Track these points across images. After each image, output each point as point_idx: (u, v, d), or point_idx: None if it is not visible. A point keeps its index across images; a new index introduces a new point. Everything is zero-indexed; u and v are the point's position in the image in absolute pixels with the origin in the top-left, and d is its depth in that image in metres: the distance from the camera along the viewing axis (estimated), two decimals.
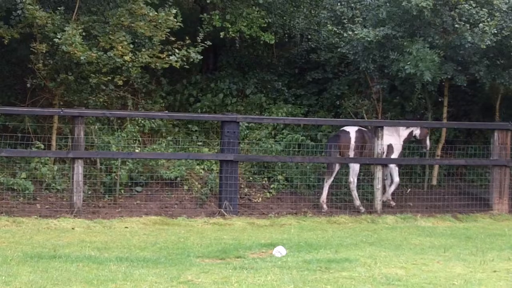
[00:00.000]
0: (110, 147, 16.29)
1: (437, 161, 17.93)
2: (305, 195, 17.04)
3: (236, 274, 9.87)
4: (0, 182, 15.18)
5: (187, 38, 16.45)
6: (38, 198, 15.41)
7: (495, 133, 17.21)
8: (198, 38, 16.71)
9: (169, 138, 17.44)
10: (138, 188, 16.20)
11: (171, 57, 16.19)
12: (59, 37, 15.21)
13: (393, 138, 17.02)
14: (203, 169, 16.93)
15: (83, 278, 9.37)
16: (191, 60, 16.36)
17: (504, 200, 17.17)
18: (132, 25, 15.91)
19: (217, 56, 20.62)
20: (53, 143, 16.18)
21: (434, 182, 18.05)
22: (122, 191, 16.05)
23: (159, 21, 16.04)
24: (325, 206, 16.40)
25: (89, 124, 16.47)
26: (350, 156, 16.50)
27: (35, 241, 12.15)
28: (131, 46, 15.92)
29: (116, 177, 15.98)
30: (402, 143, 17.13)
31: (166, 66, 16.39)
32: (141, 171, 16.32)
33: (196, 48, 16.41)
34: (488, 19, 16.24)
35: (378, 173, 16.38)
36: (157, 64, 16.26)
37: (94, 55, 15.39)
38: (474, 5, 16.43)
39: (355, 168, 16.51)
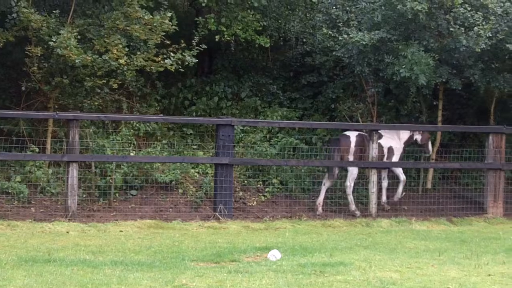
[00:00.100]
0: (105, 150, 16.29)
1: (431, 164, 17.94)
2: (300, 199, 17.04)
3: (231, 277, 9.86)
4: None
5: (182, 41, 16.45)
6: (32, 202, 15.39)
7: (490, 136, 17.23)
8: (193, 41, 16.71)
9: (164, 141, 17.44)
10: (133, 192, 16.20)
11: (166, 61, 16.19)
12: (54, 40, 15.20)
13: (393, 141, 17.06)
14: (198, 172, 16.94)
15: (77, 282, 9.35)
16: (186, 63, 16.37)
17: (499, 203, 17.18)
18: (127, 28, 15.91)
19: (212, 59, 20.62)
20: (48, 146, 16.17)
21: (429, 185, 18.06)
22: (117, 194, 16.04)
23: (154, 24, 16.04)
24: (320, 209, 16.42)
25: (84, 128, 16.47)
26: (350, 160, 16.51)
27: (29, 245, 12.14)
28: (126, 49, 15.92)
29: (111, 180, 15.97)
30: (402, 145, 17.16)
31: (161, 69, 16.40)
32: (136, 174, 16.32)
33: (191, 52, 16.42)
34: (483, 23, 16.26)
35: (373, 176, 16.39)
36: (152, 67, 16.26)
37: (89, 58, 15.39)
38: (469, 8, 16.45)
39: (353, 172, 16.53)
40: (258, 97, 19.76)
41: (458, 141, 18.94)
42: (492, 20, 16.39)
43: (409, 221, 15.98)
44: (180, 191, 16.41)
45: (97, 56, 15.59)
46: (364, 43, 16.67)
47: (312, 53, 20.12)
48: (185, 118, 17.71)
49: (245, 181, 17.13)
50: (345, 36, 17.07)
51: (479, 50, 16.27)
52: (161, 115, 17.75)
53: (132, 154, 16.50)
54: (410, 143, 17.37)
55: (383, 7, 16.78)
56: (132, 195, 16.17)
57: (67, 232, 13.62)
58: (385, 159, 16.88)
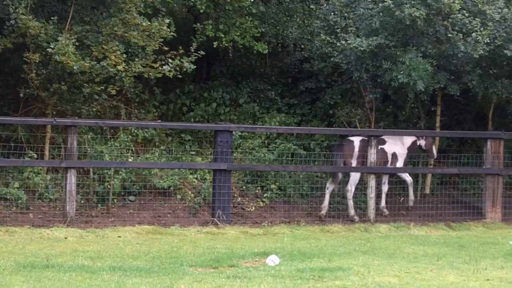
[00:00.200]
0: (103, 156, 16.29)
1: (430, 170, 17.95)
2: (298, 204, 17.04)
3: (229, 283, 9.86)
4: None
5: (180, 47, 16.47)
6: (31, 208, 15.39)
7: (488, 142, 17.25)
8: (191, 47, 16.71)
9: (162, 147, 17.44)
10: (131, 198, 16.20)
11: (164, 67, 16.19)
12: (52, 46, 15.20)
13: (397, 147, 17.09)
14: (196, 178, 16.94)
15: (76, 287, 9.34)
16: (184, 69, 16.38)
17: (497, 208, 17.19)
18: (126, 34, 15.92)
19: (210, 65, 20.63)
20: (46, 152, 16.16)
21: (427, 191, 18.06)
22: (115, 200, 16.04)
23: (152, 31, 16.05)
24: (324, 211, 16.43)
25: (82, 134, 16.47)
26: (353, 165, 16.52)
27: (27, 250, 12.13)
28: (124, 55, 15.93)
29: (109, 186, 15.97)
30: (406, 151, 17.19)
31: (159, 75, 16.40)
32: (134, 180, 16.31)
33: (189, 58, 16.43)
34: (481, 29, 16.28)
35: (371, 182, 16.40)
36: (150, 73, 16.26)
37: (87, 64, 15.39)
38: (467, 14, 16.47)
39: (355, 177, 16.54)
40: (256, 103, 19.77)
41: (456, 146, 18.95)
42: (490, 26, 16.41)
43: (407, 226, 15.98)
44: (179, 196, 16.42)
45: (95, 62, 15.59)
46: (362, 49, 16.69)
47: (310, 59, 20.14)
48: (183, 124, 17.72)
49: (244, 187, 17.14)
50: (343, 42, 17.08)
51: (477, 56, 16.29)
52: (159, 121, 17.75)
53: (130, 160, 16.49)
54: (414, 149, 17.40)
55: (381, 13, 16.79)
56: (131, 201, 16.17)
57: (66, 238, 13.61)
58: (389, 165, 16.90)
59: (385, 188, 17.05)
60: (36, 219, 15.04)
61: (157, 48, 16.24)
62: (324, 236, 14.82)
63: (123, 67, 15.78)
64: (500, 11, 16.79)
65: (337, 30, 17.89)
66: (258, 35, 18.85)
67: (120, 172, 16.14)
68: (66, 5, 16.66)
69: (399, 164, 17.02)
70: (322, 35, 18.37)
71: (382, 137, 17.01)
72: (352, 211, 16.53)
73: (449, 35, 16.38)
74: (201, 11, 17.92)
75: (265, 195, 17.06)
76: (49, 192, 15.66)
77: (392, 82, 16.71)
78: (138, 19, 15.95)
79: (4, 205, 15.22)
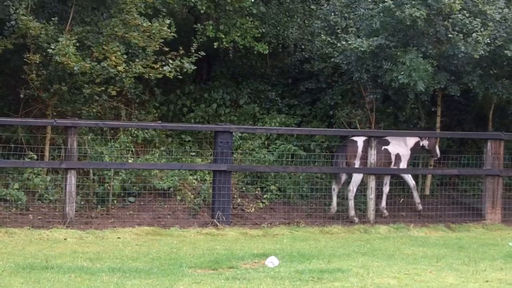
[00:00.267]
0: (103, 157, 16.30)
1: (430, 171, 17.95)
2: (298, 205, 17.04)
3: (229, 284, 9.87)
4: None
5: (180, 48, 16.47)
6: (30, 209, 15.39)
7: (488, 142, 17.24)
8: (191, 48, 16.72)
9: (162, 148, 17.44)
10: (131, 199, 16.20)
11: (164, 68, 16.19)
12: (52, 47, 15.20)
13: (401, 148, 17.11)
14: (196, 179, 16.94)
15: None
16: (185, 70, 16.38)
17: (497, 209, 17.18)
18: (126, 35, 15.92)
19: (211, 66, 20.63)
20: (46, 153, 16.17)
21: (427, 192, 18.06)
22: (115, 201, 16.04)
23: (153, 31, 16.06)
24: (333, 211, 16.48)
25: (82, 135, 16.47)
26: (356, 166, 16.52)
27: (27, 252, 12.13)
28: (125, 56, 15.93)
29: (109, 187, 15.97)
30: (409, 152, 17.21)
31: (160, 76, 16.40)
32: (134, 181, 16.32)
33: (190, 58, 16.43)
34: (482, 29, 16.27)
35: (371, 183, 16.40)
36: (150, 74, 16.26)
37: (88, 65, 15.40)
38: (467, 15, 16.46)
39: (357, 178, 16.54)
40: (257, 103, 19.77)
41: (457, 147, 18.94)
42: (491, 27, 16.40)
43: (407, 227, 15.97)
44: (178, 198, 16.42)
45: (96, 63, 15.59)
46: (362, 49, 16.68)
47: (310, 60, 20.15)
48: (184, 125, 17.72)
49: (243, 188, 17.14)
50: (344, 42, 17.08)
51: (478, 57, 16.29)
52: (160, 122, 17.75)
53: (130, 161, 16.50)
54: (417, 149, 17.42)
55: (381, 14, 16.79)
56: (130, 202, 16.17)
57: (65, 239, 13.62)
58: (392, 166, 16.91)
59: (386, 189, 17.06)
60: (35, 220, 15.05)
61: (158, 49, 16.25)
62: (323, 237, 14.82)
63: (124, 68, 15.78)
64: (500, 11, 16.78)
65: (338, 31, 17.88)
66: (259, 35, 18.85)
67: (120, 173, 16.15)
68: (67, 6, 16.67)
69: (403, 165, 17.04)
70: (322, 35, 18.37)
71: (386, 138, 17.03)
72: (352, 212, 16.54)
73: (450, 35, 16.37)
74: (202, 11, 17.92)
75: (265, 196, 17.05)
76: (49, 193, 15.67)
77: (392, 82, 16.70)
78: (139, 19, 15.96)
79: (4, 206, 15.23)
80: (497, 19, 16.72)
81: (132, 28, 16.00)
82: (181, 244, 13.40)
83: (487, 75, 17.32)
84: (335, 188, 16.72)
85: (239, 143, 18.11)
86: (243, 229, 15.26)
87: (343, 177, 16.73)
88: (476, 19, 16.45)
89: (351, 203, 16.56)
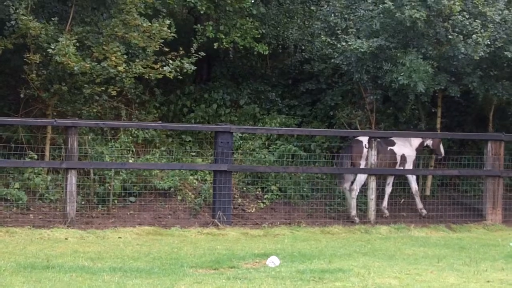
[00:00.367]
0: (103, 157, 16.29)
1: (430, 171, 17.95)
2: (299, 205, 17.04)
3: (230, 284, 9.86)
4: None
5: (180, 48, 16.47)
6: (31, 209, 15.39)
7: (489, 143, 17.25)
8: (192, 48, 16.72)
9: (162, 148, 17.44)
10: (132, 199, 16.19)
11: (164, 68, 16.19)
12: (52, 47, 15.20)
13: (406, 149, 17.14)
14: (197, 179, 16.94)
15: None
16: (185, 70, 16.38)
17: (498, 210, 17.19)
18: (126, 35, 15.92)
19: (211, 66, 20.64)
20: (47, 153, 16.16)
21: (428, 192, 18.07)
22: (116, 201, 16.04)
23: (153, 31, 16.06)
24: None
25: (83, 135, 16.47)
26: (362, 166, 16.53)
27: (28, 251, 12.13)
28: (125, 56, 15.93)
29: (109, 187, 15.97)
30: (415, 153, 17.23)
31: (160, 76, 16.40)
32: (135, 181, 16.31)
33: (190, 59, 16.43)
34: (481, 30, 16.29)
35: (372, 183, 16.40)
36: (150, 74, 16.26)
37: (88, 65, 15.39)
38: (467, 16, 16.47)
39: (361, 177, 16.55)
40: (257, 104, 19.77)
41: (457, 148, 18.96)
42: (491, 28, 16.41)
43: (408, 227, 15.98)
44: (179, 198, 16.42)
45: (96, 63, 15.59)
46: (362, 50, 16.69)
47: (310, 61, 20.16)
48: (184, 125, 17.71)
49: (244, 188, 17.14)
50: (344, 43, 17.09)
51: (478, 58, 16.30)
52: (160, 122, 17.76)
53: (130, 161, 16.50)
54: (421, 149, 17.44)
55: (381, 15, 16.80)
56: (131, 201, 16.17)
57: (66, 239, 13.61)
58: (397, 167, 16.94)
59: (388, 189, 17.09)
60: (36, 220, 15.04)
61: (158, 49, 16.25)
62: (324, 237, 14.82)
63: (124, 68, 15.78)
64: (500, 12, 16.80)
65: (338, 32, 17.89)
66: (259, 36, 18.86)
67: (120, 173, 16.15)
68: (67, 6, 16.67)
69: (408, 166, 17.08)
70: (322, 36, 18.38)
71: (392, 138, 17.06)
72: (353, 211, 16.54)
73: (450, 36, 16.38)
74: (202, 12, 17.93)
75: (265, 196, 17.06)
76: (50, 193, 15.66)
77: (392, 83, 16.71)
78: (139, 20, 15.96)
79: (5, 205, 15.23)
80: (497, 20, 16.73)
81: (132, 29, 16.00)
82: (182, 244, 13.39)
83: (487, 76, 17.33)
84: (346, 187, 16.69)
85: (239, 143, 18.11)
86: (244, 229, 15.26)
87: (351, 177, 16.69)
88: (476, 20, 16.46)
89: (354, 202, 16.58)
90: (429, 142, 17.47)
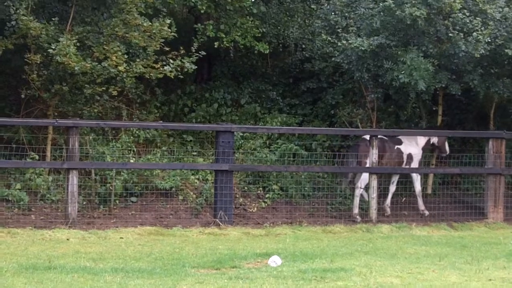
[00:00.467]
0: (104, 157, 16.29)
1: (431, 169, 17.95)
2: (300, 205, 17.03)
3: (232, 284, 9.87)
4: None
5: (181, 48, 16.47)
6: (33, 209, 15.38)
7: (490, 141, 17.24)
8: (192, 48, 16.72)
9: (163, 148, 17.43)
10: (133, 199, 16.18)
11: (165, 67, 16.19)
12: (53, 47, 15.20)
13: (412, 148, 17.16)
14: (198, 179, 16.93)
15: None
16: (186, 70, 16.38)
17: (499, 208, 17.19)
18: (127, 35, 15.92)
19: (212, 66, 20.63)
20: (48, 153, 16.16)
21: (429, 191, 18.06)
22: (117, 201, 16.03)
23: (153, 31, 16.06)
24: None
25: (84, 135, 16.46)
26: (368, 165, 16.51)
27: (30, 252, 12.13)
28: (126, 56, 15.93)
29: (111, 187, 15.97)
30: (421, 151, 17.24)
31: (161, 76, 16.40)
32: (136, 181, 16.31)
33: (191, 58, 16.43)
34: (482, 28, 16.27)
35: (373, 182, 16.39)
36: (151, 74, 16.26)
37: (88, 65, 15.40)
38: (467, 14, 16.46)
39: (366, 176, 16.54)
40: (258, 103, 19.76)
41: (458, 146, 18.92)
42: (491, 26, 16.39)
43: (409, 226, 15.98)
44: (180, 197, 16.41)
45: (97, 63, 15.59)
46: (363, 49, 16.68)
47: (311, 59, 20.15)
48: (185, 125, 17.71)
49: (245, 188, 17.13)
50: (344, 42, 17.08)
51: (478, 56, 16.29)
52: (161, 122, 17.74)
53: (132, 161, 16.49)
54: (427, 148, 17.45)
55: (381, 13, 16.78)
56: (132, 202, 16.16)
57: (68, 239, 13.62)
58: (404, 165, 16.95)
59: (392, 188, 17.11)
60: (38, 220, 15.04)
61: (158, 49, 16.25)
62: (326, 236, 14.82)
63: (124, 68, 15.78)
64: (501, 10, 16.78)
65: (338, 30, 17.88)
66: (259, 35, 18.85)
67: (122, 173, 16.14)
68: (67, 6, 16.67)
69: (414, 164, 17.11)
70: (323, 35, 18.37)
71: (399, 137, 17.07)
72: (356, 210, 16.53)
73: (450, 34, 16.37)
74: (202, 11, 17.91)
75: (267, 195, 17.05)
76: (51, 194, 15.66)
77: (393, 81, 16.70)
78: (139, 19, 15.96)
79: (6, 206, 15.22)
80: (498, 18, 16.71)
81: (132, 28, 16.01)
82: (183, 244, 13.39)
83: (488, 74, 17.32)
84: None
85: (240, 142, 18.10)
86: (246, 228, 15.26)
87: (360, 175, 16.66)
88: (477, 18, 16.45)
89: (357, 200, 16.57)
90: (435, 140, 17.49)
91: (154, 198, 16.29)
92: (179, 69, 16.30)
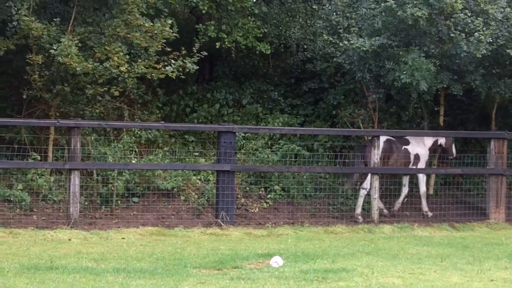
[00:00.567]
0: (106, 158, 16.29)
1: (433, 170, 17.94)
2: (302, 205, 17.03)
3: (233, 284, 9.87)
4: None
5: (183, 48, 16.47)
6: (34, 210, 15.39)
7: (492, 142, 17.24)
8: (194, 48, 16.72)
9: (165, 148, 17.44)
10: (135, 199, 16.19)
11: (167, 68, 16.20)
12: (55, 48, 15.21)
13: (419, 148, 17.15)
14: (200, 179, 16.93)
15: None
16: (187, 70, 16.39)
17: (501, 209, 17.19)
18: (128, 36, 15.93)
19: (213, 66, 20.63)
20: (50, 154, 16.16)
21: (431, 191, 18.04)
22: (119, 202, 16.03)
23: (155, 31, 16.07)
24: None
25: (86, 135, 16.47)
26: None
27: (31, 252, 12.13)
28: (127, 56, 15.94)
29: (112, 188, 15.97)
30: (428, 152, 17.24)
31: (162, 76, 16.40)
32: (138, 182, 16.31)
33: (192, 59, 16.44)
34: (484, 28, 16.27)
35: (375, 182, 16.38)
36: (153, 74, 16.27)
37: (90, 66, 15.40)
38: (469, 14, 16.46)
39: (370, 176, 16.55)
40: (260, 103, 19.77)
41: (460, 146, 18.91)
42: (493, 26, 16.40)
43: (411, 227, 15.98)
44: (182, 198, 16.41)
45: (98, 63, 15.60)
46: (364, 49, 16.68)
47: (313, 60, 20.15)
48: (187, 125, 17.72)
49: (247, 188, 17.13)
50: (346, 42, 17.08)
51: (480, 56, 16.28)
52: (163, 122, 17.74)
53: (133, 161, 16.49)
54: (434, 149, 17.45)
55: (383, 13, 16.78)
56: (134, 202, 16.17)
57: (69, 240, 13.62)
58: (411, 166, 16.95)
59: (405, 190, 17.13)
60: (40, 221, 15.05)
61: (160, 49, 16.25)
62: (327, 237, 14.82)
63: (126, 68, 15.79)
64: (502, 10, 16.79)
65: (340, 30, 17.88)
66: (261, 35, 18.86)
67: (123, 174, 16.14)
68: (69, 7, 16.68)
69: (421, 165, 17.12)
70: (324, 35, 18.37)
71: (406, 137, 17.07)
72: (359, 210, 16.54)
73: (452, 34, 16.37)
74: (203, 11, 17.92)
75: (268, 196, 17.05)
76: (53, 194, 15.67)
77: (395, 82, 16.69)
78: (141, 20, 15.97)
79: (8, 207, 15.23)
80: (499, 18, 16.72)
81: (134, 29, 16.02)
82: (185, 244, 13.40)
83: (489, 74, 17.32)
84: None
85: (242, 143, 18.11)
86: (247, 229, 15.26)
87: (367, 176, 16.64)
88: (478, 18, 16.45)
89: (361, 200, 16.56)
90: (442, 141, 17.48)
91: (156, 199, 16.29)
92: (180, 69, 16.30)
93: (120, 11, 16.10)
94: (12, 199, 15.29)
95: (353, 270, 10.88)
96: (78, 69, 15.27)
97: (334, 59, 18.42)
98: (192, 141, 18.23)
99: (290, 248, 13.12)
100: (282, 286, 9.76)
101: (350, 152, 18.02)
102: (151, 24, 16.06)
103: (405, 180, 17.22)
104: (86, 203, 15.68)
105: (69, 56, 15.14)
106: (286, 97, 20.15)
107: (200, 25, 18.29)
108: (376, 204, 16.37)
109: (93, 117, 16.87)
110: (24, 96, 16.37)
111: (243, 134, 18.14)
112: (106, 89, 16.19)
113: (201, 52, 16.69)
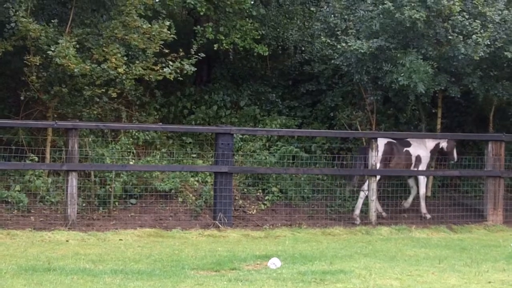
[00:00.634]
0: (104, 159, 16.28)
1: (431, 172, 17.94)
2: (300, 207, 17.03)
3: (231, 286, 9.87)
4: None
5: (180, 50, 16.46)
6: (32, 211, 15.38)
7: (489, 144, 17.25)
8: (191, 50, 16.73)
9: (163, 150, 17.43)
10: (133, 201, 16.18)
11: (164, 69, 16.19)
12: (52, 49, 15.20)
13: (421, 150, 17.15)
14: (198, 181, 16.93)
15: None
16: (185, 72, 16.38)
17: (499, 211, 17.18)
18: (126, 37, 15.92)
19: (211, 68, 20.64)
20: (47, 155, 16.16)
21: (429, 193, 18.04)
22: (117, 203, 16.02)
23: (153, 33, 16.06)
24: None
25: (83, 137, 16.46)
26: (377, 168, 16.49)
27: (29, 253, 12.12)
28: (125, 58, 15.93)
29: (110, 189, 15.96)
30: (429, 154, 17.24)
31: (160, 78, 16.40)
32: (136, 183, 16.31)
33: (190, 60, 16.43)
34: (481, 31, 16.28)
35: (373, 184, 16.38)
36: (151, 76, 16.26)
37: (88, 67, 15.39)
38: (467, 16, 16.47)
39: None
40: (257, 105, 19.77)
41: (457, 148, 18.93)
42: (490, 28, 16.40)
43: (409, 228, 15.97)
44: (180, 199, 16.40)
45: (96, 65, 15.59)
46: (362, 51, 16.69)
47: (310, 62, 20.15)
48: (184, 127, 17.72)
49: (245, 190, 17.13)
50: (344, 44, 17.08)
51: (478, 58, 16.29)
52: (160, 123, 17.74)
53: (131, 163, 16.49)
54: (435, 152, 17.45)
55: (381, 16, 16.79)
56: (132, 203, 16.16)
57: (67, 241, 13.61)
58: (412, 168, 16.96)
59: (413, 192, 17.14)
60: (37, 222, 15.04)
61: (158, 51, 16.25)
62: (325, 239, 14.81)
63: (124, 70, 15.78)
64: (500, 13, 16.79)
65: (338, 32, 17.89)
66: (259, 37, 18.87)
67: (121, 175, 16.13)
68: (66, 8, 16.67)
69: (422, 167, 17.12)
70: (322, 37, 18.38)
71: (408, 139, 17.08)
72: (357, 211, 16.53)
73: (450, 37, 16.38)
74: (201, 13, 17.93)
75: (266, 197, 17.05)
76: (51, 195, 15.66)
77: (392, 84, 16.71)
78: (139, 21, 15.97)
79: (6, 208, 15.22)
80: (497, 20, 16.72)
81: (132, 30, 16.01)
82: (183, 246, 13.39)
83: (487, 76, 17.32)
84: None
85: (240, 144, 18.10)
86: (245, 230, 15.25)
87: (375, 179, 16.62)
88: (476, 20, 16.46)
89: (360, 202, 16.56)
90: (444, 144, 17.45)
91: (154, 200, 16.29)
92: (178, 71, 16.30)
93: (118, 12, 16.10)
94: (9, 201, 15.28)
95: (351, 272, 10.88)
96: (75, 70, 15.26)
97: (332, 61, 18.43)
98: (190, 142, 18.23)
99: (288, 249, 13.12)
100: None
101: (348, 154, 18.04)
102: (149, 25, 16.06)
103: (412, 182, 17.25)
104: (83, 205, 15.67)
105: (67, 58, 15.13)
106: (284, 99, 20.16)
107: (198, 26, 18.29)
108: (374, 206, 16.37)
109: (91, 119, 16.87)
110: (22, 98, 16.36)
111: (240, 136, 18.13)
112: (103, 90, 16.18)
113: (199, 54, 16.69)
